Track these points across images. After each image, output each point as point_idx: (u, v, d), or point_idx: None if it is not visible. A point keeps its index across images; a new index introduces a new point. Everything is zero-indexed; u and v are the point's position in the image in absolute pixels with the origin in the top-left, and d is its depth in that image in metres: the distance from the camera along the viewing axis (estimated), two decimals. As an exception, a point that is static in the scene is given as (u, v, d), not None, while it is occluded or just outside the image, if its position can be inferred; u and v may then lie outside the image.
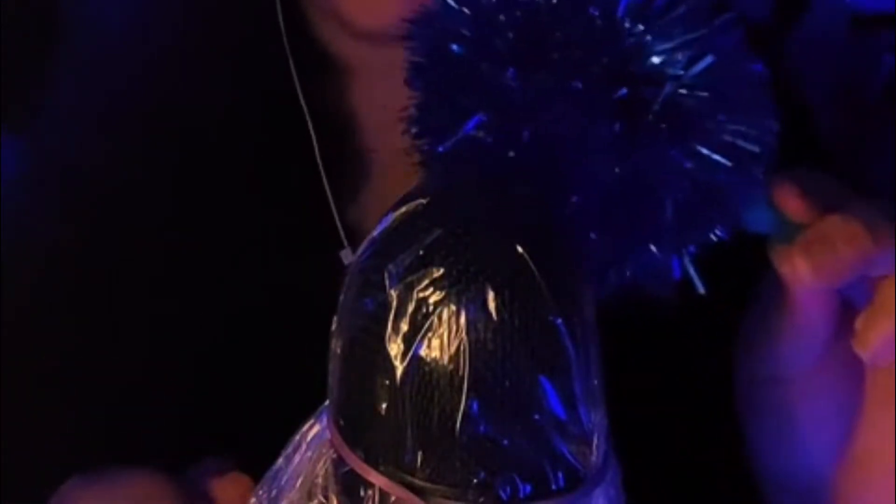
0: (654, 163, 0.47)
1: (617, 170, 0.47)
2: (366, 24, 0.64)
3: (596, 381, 0.46)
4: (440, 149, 0.48)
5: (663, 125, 0.47)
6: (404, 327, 0.45)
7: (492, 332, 0.44)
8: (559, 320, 0.45)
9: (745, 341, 0.58)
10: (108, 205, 0.69)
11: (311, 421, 0.49)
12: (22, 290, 0.69)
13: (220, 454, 0.56)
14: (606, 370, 0.47)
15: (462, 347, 0.44)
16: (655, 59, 0.47)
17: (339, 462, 0.47)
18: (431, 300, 0.45)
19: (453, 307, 0.44)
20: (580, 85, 0.46)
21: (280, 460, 0.50)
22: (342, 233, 0.68)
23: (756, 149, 0.49)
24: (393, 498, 0.45)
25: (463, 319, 0.44)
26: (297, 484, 0.48)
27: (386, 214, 0.47)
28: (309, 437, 0.49)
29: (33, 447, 0.64)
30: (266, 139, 0.69)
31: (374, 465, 0.45)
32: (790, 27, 1.20)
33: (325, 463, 0.48)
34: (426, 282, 0.45)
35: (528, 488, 0.45)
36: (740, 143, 0.48)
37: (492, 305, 0.44)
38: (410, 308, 0.45)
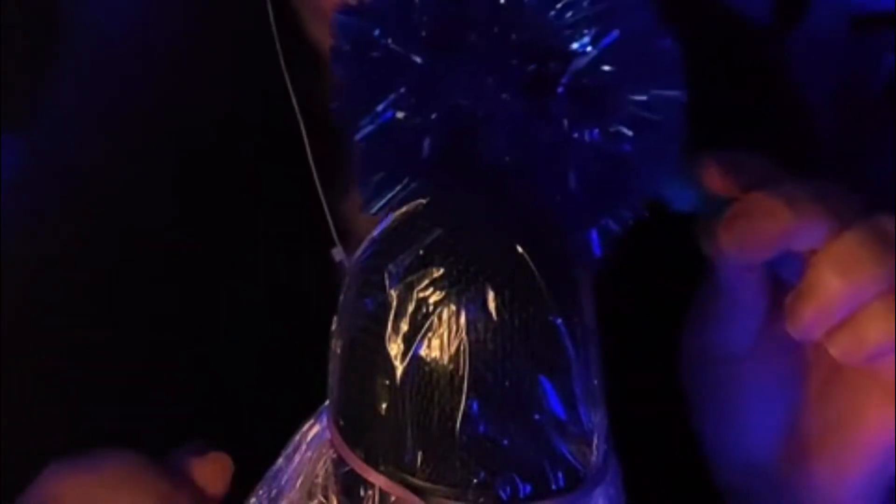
0: (561, 137, 0.48)
1: (526, 145, 0.48)
2: None
3: (596, 381, 0.46)
4: (360, 129, 0.49)
5: (571, 99, 0.48)
6: (404, 327, 0.45)
7: (492, 332, 0.44)
8: (559, 320, 0.45)
9: (686, 323, 0.58)
10: (105, 204, 0.69)
11: (311, 421, 0.49)
12: (21, 289, 0.69)
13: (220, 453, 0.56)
14: (606, 370, 0.47)
15: (462, 347, 0.44)
16: (562, 35, 0.48)
17: (339, 462, 0.47)
18: (431, 300, 0.45)
19: (453, 307, 0.44)
20: (489, 62, 0.47)
21: (280, 460, 0.50)
22: (334, 231, 0.68)
23: (658, 118, 0.49)
24: (393, 498, 0.45)
25: (463, 319, 0.44)
26: (297, 484, 0.48)
27: (386, 214, 0.47)
28: (309, 437, 0.49)
29: (33, 447, 0.64)
30: (257, 138, 0.69)
31: (374, 465, 0.45)
32: (790, 27, 1.20)
33: (325, 463, 0.48)
34: (426, 282, 0.45)
35: (528, 488, 0.45)
36: (644, 113, 0.48)
37: (492, 305, 0.44)
38: (410, 308, 0.45)
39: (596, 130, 0.48)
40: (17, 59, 0.73)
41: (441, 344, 0.44)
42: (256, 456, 0.51)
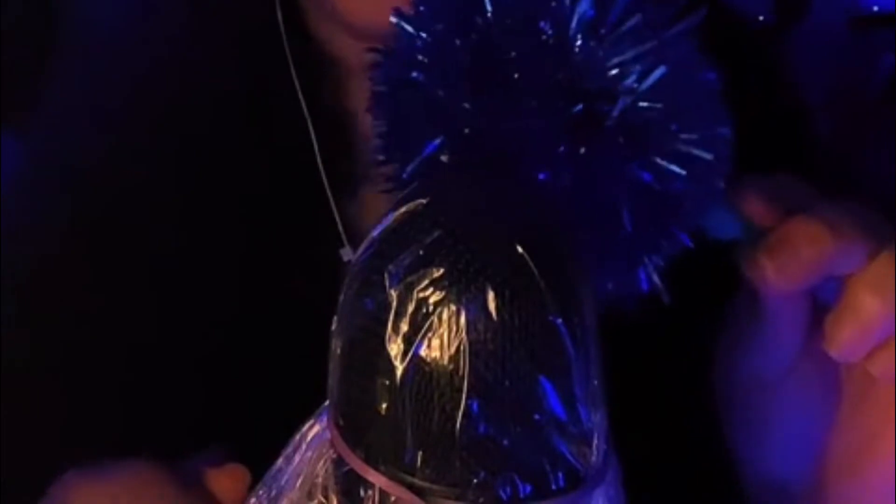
0: (611, 176, 0.48)
1: (574, 187, 0.47)
2: (363, 23, 0.64)
3: (596, 382, 0.46)
4: (404, 175, 0.49)
5: (619, 138, 0.48)
6: (404, 327, 0.45)
7: (492, 332, 0.44)
8: (559, 320, 0.45)
9: (722, 346, 0.58)
10: (106, 204, 0.69)
11: (311, 421, 0.49)
12: (21, 289, 0.69)
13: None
14: (607, 370, 0.47)
15: (462, 347, 0.44)
16: (609, 74, 0.48)
17: (339, 462, 0.47)
18: (431, 300, 0.45)
19: (453, 307, 0.44)
20: (534, 103, 0.47)
21: (280, 460, 0.50)
22: (342, 231, 0.68)
23: (710, 156, 0.49)
24: (393, 498, 0.45)
25: (463, 319, 0.44)
26: (297, 484, 0.48)
27: (386, 214, 0.47)
28: (309, 437, 0.49)
29: (33, 448, 0.64)
30: (266, 138, 0.69)
31: (374, 465, 0.45)
32: (790, 27, 1.20)
33: (325, 463, 0.48)
34: (426, 282, 0.45)
35: (528, 488, 0.45)
36: (695, 151, 0.49)
37: (492, 305, 0.44)
38: (410, 308, 0.45)
39: (645, 169, 0.48)
40: (17, 58, 0.73)
41: (441, 344, 0.44)
42: (256, 456, 0.51)
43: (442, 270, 0.45)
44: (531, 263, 0.45)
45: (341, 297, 0.48)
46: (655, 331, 0.61)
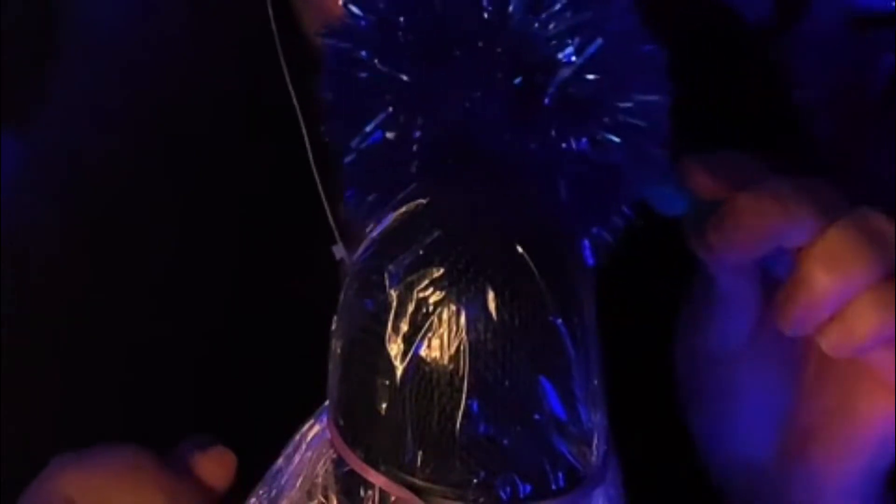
0: (550, 147, 0.48)
1: (515, 158, 0.48)
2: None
3: (596, 382, 0.46)
4: (350, 150, 0.49)
5: (558, 110, 0.48)
6: (404, 327, 0.45)
7: (492, 332, 0.44)
8: (559, 320, 0.45)
9: (679, 324, 0.58)
10: (105, 204, 0.69)
11: (311, 421, 0.49)
12: (21, 289, 0.69)
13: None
14: (607, 370, 0.47)
15: (462, 347, 0.44)
16: (547, 46, 0.48)
17: (339, 462, 0.47)
18: (431, 300, 0.45)
19: (453, 307, 0.44)
20: (475, 76, 0.47)
21: (280, 460, 0.50)
22: (334, 228, 0.68)
23: (643, 123, 0.49)
24: (393, 498, 0.45)
25: (463, 319, 0.44)
26: (297, 484, 0.48)
27: (386, 214, 0.47)
28: (309, 437, 0.49)
29: (33, 447, 0.64)
30: (258, 137, 0.69)
31: (374, 465, 0.45)
32: (790, 27, 1.20)
33: (325, 463, 0.48)
34: (426, 282, 0.45)
35: (528, 488, 0.45)
36: (630, 119, 0.49)
37: (492, 305, 0.44)
38: (410, 308, 0.45)
39: (584, 139, 0.48)
40: (17, 58, 0.73)
41: (441, 344, 0.44)
42: (256, 456, 0.51)
43: (442, 270, 0.45)
44: (531, 263, 0.45)
45: (341, 298, 0.48)
46: (655, 331, 0.61)
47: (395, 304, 0.45)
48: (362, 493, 0.46)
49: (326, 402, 0.48)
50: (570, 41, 0.48)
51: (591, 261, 0.50)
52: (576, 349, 0.45)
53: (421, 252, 0.45)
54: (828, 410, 0.57)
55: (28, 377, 0.67)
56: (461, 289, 0.44)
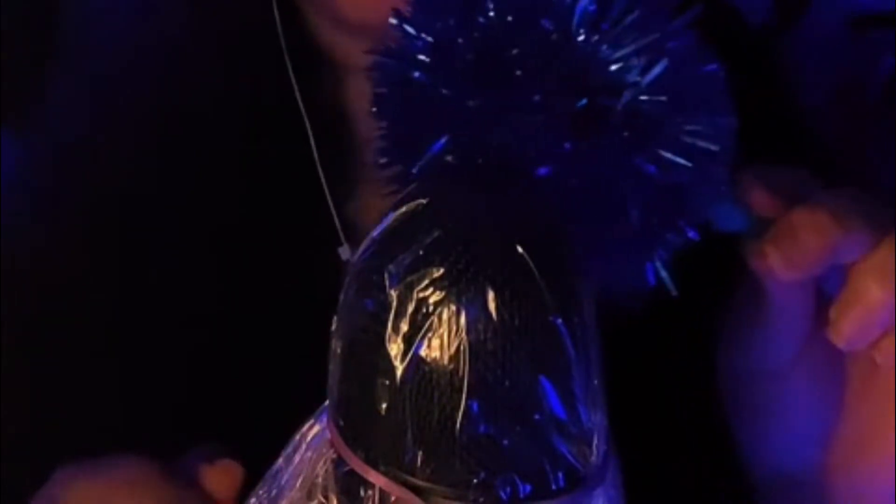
0: (617, 171, 0.48)
1: (580, 183, 0.47)
2: (360, 21, 0.64)
3: (596, 382, 0.46)
4: (409, 174, 0.48)
5: (624, 132, 0.48)
6: (404, 327, 0.45)
7: (492, 332, 0.44)
8: (559, 320, 0.45)
9: (726, 337, 0.58)
10: (106, 204, 0.69)
11: (311, 421, 0.49)
12: (21, 289, 0.69)
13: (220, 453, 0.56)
14: (607, 370, 0.47)
15: (462, 347, 0.44)
16: (612, 68, 0.48)
17: (339, 462, 0.47)
18: (431, 300, 0.45)
19: (453, 307, 0.44)
20: (538, 98, 0.47)
21: (280, 460, 0.50)
22: (340, 230, 0.68)
23: (714, 147, 0.49)
24: (393, 498, 0.45)
25: (463, 319, 0.44)
26: (297, 484, 0.48)
27: (386, 214, 0.47)
28: (309, 437, 0.49)
29: (33, 448, 0.64)
30: (263, 137, 0.69)
31: (374, 465, 0.45)
32: (790, 27, 1.20)
33: (325, 463, 0.48)
34: (426, 282, 0.45)
35: (528, 488, 0.45)
36: (699, 143, 0.49)
37: (492, 305, 0.44)
38: (410, 308, 0.45)
39: (651, 162, 0.48)
40: (17, 58, 0.73)
41: (441, 344, 0.44)
42: (256, 456, 0.51)
43: (442, 270, 0.45)
44: (531, 263, 0.45)
45: (341, 298, 0.48)
46: (655, 330, 0.61)
47: (395, 304, 0.45)
48: (362, 493, 0.46)
49: (326, 402, 0.48)
50: (635, 62, 0.48)
51: (652, 280, 0.50)
52: (576, 349, 0.45)
53: (421, 252, 0.45)
54: (871, 426, 0.57)
55: (28, 377, 0.67)
56: (461, 289, 0.44)
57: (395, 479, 0.45)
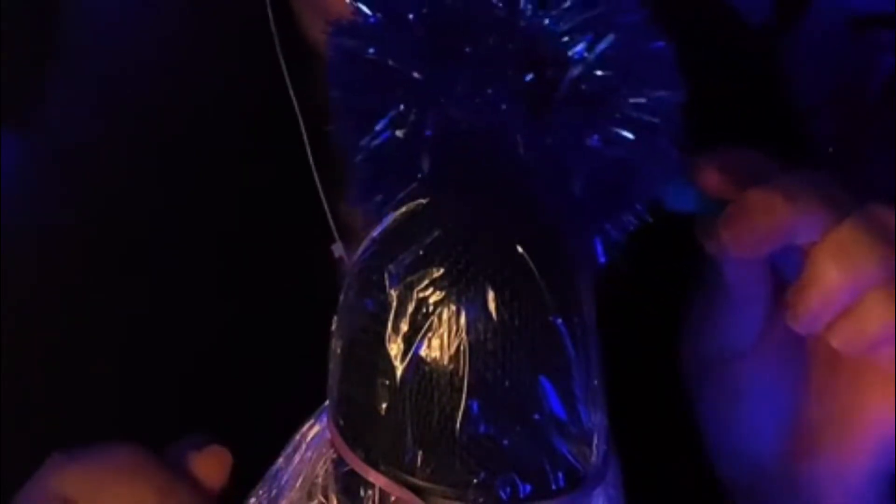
0: (563, 143, 0.48)
1: (529, 154, 0.47)
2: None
3: (596, 382, 0.46)
4: (360, 149, 0.48)
5: (571, 106, 0.48)
6: (404, 327, 0.45)
7: (492, 332, 0.44)
8: (559, 320, 0.45)
9: (687, 321, 0.58)
10: (105, 203, 0.69)
11: (311, 421, 0.49)
12: (21, 288, 0.69)
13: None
14: (607, 370, 0.47)
15: (462, 347, 0.44)
16: (559, 42, 0.48)
17: (339, 462, 0.47)
18: (431, 300, 0.45)
19: (453, 307, 0.44)
20: (486, 72, 0.47)
21: (280, 460, 0.50)
22: (333, 227, 0.68)
23: (657, 120, 0.49)
24: (393, 498, 0.45)
25: (463, 319, 0.44)
26: (297, 484, 0.48)
27: (386, 214, 0.47)
28: (309, 437, 0.49)
29: (33, 446, 0.64)
30: (256, 136, 0.69)
31: (374, 465, 0.45)
32: (790, 27, 1.20)
33: (325, 463, 0.48)
34: (426, 282, 0.45)
35: (528, 488, 0.45)
36: (644, 117, 0.48)
37: (492, 305, 0.44)
38: (410, 308, 0.45)
39: (596, 136, 0.48)
40: (17, 58, 0.73)
41: (441, 344, 0.44)
42: (256, 456, 0.51)
43: (442, 270, 0.45)
44: (531, 263, 0.45)
45: (341, 298, 0.48)
46: (655, 330, 0.61)
47: (395, 304, 0.45)
48: (362, 493, 0.46)
49: (326, 402, 0.48)
50: (581, 37, 0.48)
51: (601, 259, 0.49)
52: (576, 349, 0.45)
53: (421, 252, 0.45)
54: (835, 411, 0.57)
55: (28, 377, 0.67)
56: (461, 289, 0.44)
57: (395, 479, 0.45)
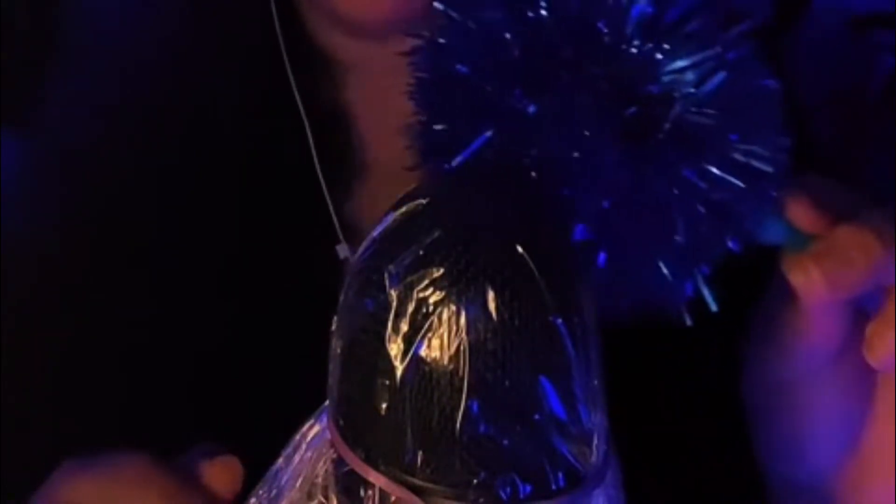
0: (665, 183, 0.46)
1: (626, 191, 0.46)
2: (357, 18, 0.64)
3: (596, 382, 0.46)
4: (446, 168, 0.47)
5: (674, 145, 0.46)
6: (404, 327, 0.45)
7: (492, 332, 0.44)
8: (559, 320, 0.45)
9: (755, 346, 0.58)
10: (106, 203, 0.69)
11: (311, 421, 0.49)
12: (21, 288, 0.69)
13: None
14: (607, 370, 0.47)
15: (462, 347, 0.44)
16: (665, 77, 0.46)
17: (339, 462, 0.47)
18: (431, 300, 0.45)
19: (453, 307, 0.44)
20: (587, 103, 0.45)
21: (280, 460, 0.50)
22: (338, 228, 0.68)
23: (769, 168, 0.48)
24: (393, 498, 0.45)
25: (463, 319, 0.44)
26: (297, 484, 0.48)
27: (386, 214, 0.47)
28: (309, 437, 0.49)
29: (33, 447, 0.64)
30: (262, 136, 0.69)
31: (374, 465, 0.45)
32: (790, 27, 1.20)
33: (325, 463, 0.48)
34: (426, 282, 0.45)
35: (528, 488, 0.45)
36: (753, 163, 0.47)
37: (492, 305, 0.44)
38: (410, 308, 0.45)
39: (698, 177, 0.46)
40: (17, 58, 0.73)
41: (441, 344, 0.44)
42: (256, 456, 0.51)
43: (442, 270, 0.45)
44: (531, 263, 0.45)
45: (341, 298, 0.48)
46: (655, 330, 0.61)
47: (395, 304, 0.45)
48: (362, 493, 0.46)
49: (326, 402, 0.48)
50: (690, 73, 0.46)
51: (690, 295, 0.48)
52: (576, 349, 0.45)
53: (421, 252, 0.45)
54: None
55: (28, 377, 0.67)
56: (461, 289, 0.44)
57: (395, 479, 0.45)
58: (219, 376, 0.66)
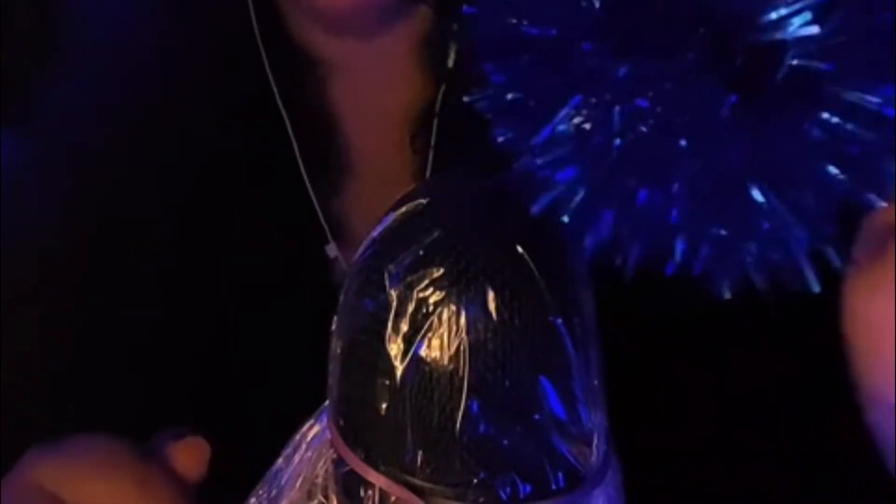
0: (782, 142, 0.40)
1: (738, 153, 0.40)
2: (336, 14, 0.64)
3: (596, 382, 0.46)
4: (532, 142, 0.41)
5: (788, 97, 0.40)
6: (404, 327, 0.45)
7: (492, 332, 0.44)
8: (559, 320, 0.45)
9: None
10: (102, 202, 0.69)
11: (311, 421, 0.49)
12: (21, 288, 0.69)
13: (219, 453, 0.56)
14: (607, 370, 0.47)
15: (462, 347, 0.44)
16: (773, 21, 0.40)
17: (339, 462, 0.47)
18: (431, 300, 0.45)
19: (453, 307, 0.44)
20: (688, 58, 0.40)
21: (280, 460, 0.50)
22: (326, 228, 0.68)
23: (893, 112, 0.40)
24: (393, 498, 0.45)
25: (463, 319, 0.44)
26: (297, 484, 0.48)
27: (386, 214, 0.47)
28: (309, 437, 0.49)
29: (30, 443, 0.64)
30: (245, 137, 0.69)
31: (374, 465, 0.45)
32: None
33: (325, 463, 0.48)
34: (426, 282, 0.45)
35: (528, 488, 0.45)
36: (874, 108, 0.40)
37: (492, 305, 0.44)
38: (410, 308, 0.45)
39: (818, 129, 0.40)
40: (17, 58, 0.73)
41: (441, 344, 0.44)
42: (256, 456, 0.51)
43: (442, 270, 0.45)
44: (531, 263, 0.45)
45: (341, 298, 0.48)
46: (655, 330, 0.61)
47: (395, 304, 0.45)
48: (362, 493, 0.46)
49: (326, 402, 0.48)
50: (801, 14, 0.39)
51: (836, 262, 0.41)
52: (576, 349, 0.45)
53: (421, 252, 0.45)
54: None
55: (28, 375, 0.67)
56: (461, 289, 0.44)
57: (395, 479, 0.45)
58: (218, 376, 0.66)
